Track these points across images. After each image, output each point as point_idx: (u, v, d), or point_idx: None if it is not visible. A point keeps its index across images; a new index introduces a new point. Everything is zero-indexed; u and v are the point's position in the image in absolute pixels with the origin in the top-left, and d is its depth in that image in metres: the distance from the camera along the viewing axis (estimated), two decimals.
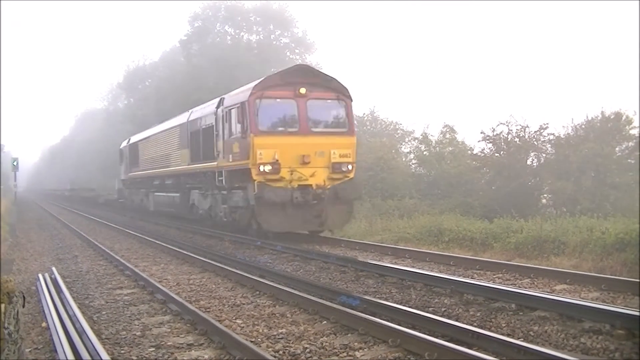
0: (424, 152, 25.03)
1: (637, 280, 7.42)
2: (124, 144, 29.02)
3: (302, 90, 13.22)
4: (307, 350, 5.51)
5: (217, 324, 6.16)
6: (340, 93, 13.87)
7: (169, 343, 5.92)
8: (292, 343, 5.75)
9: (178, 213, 19.84)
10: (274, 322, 6.59)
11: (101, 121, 62.53)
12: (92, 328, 6.15)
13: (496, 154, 20.95)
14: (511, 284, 7.99)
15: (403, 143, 29.36)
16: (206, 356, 5.49)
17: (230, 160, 13.90)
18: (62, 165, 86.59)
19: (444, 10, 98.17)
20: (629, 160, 19.36)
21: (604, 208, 16.78)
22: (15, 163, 29.75)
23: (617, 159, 19.51)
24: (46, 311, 7.12)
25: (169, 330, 6.45)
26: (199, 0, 38.43)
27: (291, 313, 6.97)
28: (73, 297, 7.81)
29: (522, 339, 5.50)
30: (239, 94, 14.04)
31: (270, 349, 5.57)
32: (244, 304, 7.60)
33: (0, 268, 9.09)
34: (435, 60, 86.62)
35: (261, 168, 12.69)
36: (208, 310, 7.24)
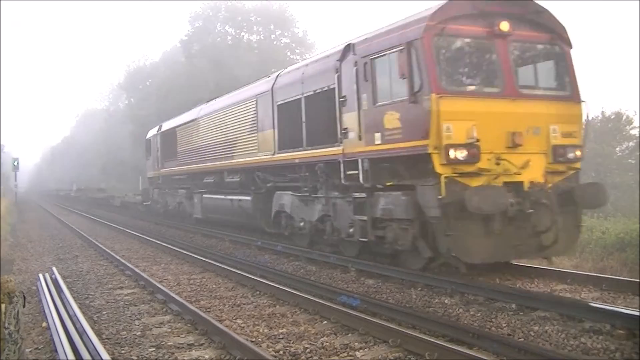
0: None
1: (638, 280, 7.43)
2: (152, 132, 23.20)
3: (504, 26, 8.19)
4: (308, 350, 5.51)
5: (218, 324, 6.16)
6: (556, 34, 8.84)
7: (169, 343, 5.93)
8: (293, 343, 5.75)
9: (247, 224, 14.55)
10: (275, 322, 6.59)
11: (102, 121, 62.55)
12: (92, 328, 6.15)
13: None
14: (511, 284, 7.99)
15: None
16: (206, 356, 5.50)
17: (379, 141, 8.72)
18: (63, 165, 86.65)
19: None
20: (630, 160, 19.39)
21: (604, 208, 16.78)
22: (15, 163, 29.80)
23: (618, 159, 19.53)
24: (47, 311, 7.12)
25: (170, 330, 6.45)
26: (200, 0, 38.52)
27: (291, 313, 6.97)
28: (73, 297, 7.81)
29: (522, 339, 5.50)
30: (396, 30, 8.61)
31: (270, 349, 5.57)
32: (244, 304, 7.61)
33: (0, 268, 9.10)
34: None
35: (451, 153, 7.65)
36: (208, 310, 7.24)
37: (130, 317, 7.13)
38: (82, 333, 5.88)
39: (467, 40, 8.31)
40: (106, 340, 6.08)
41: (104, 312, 7.42)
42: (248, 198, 13.69)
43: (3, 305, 4.43)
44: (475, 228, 7.63)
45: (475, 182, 7.67)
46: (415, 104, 7.96)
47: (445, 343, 5.20)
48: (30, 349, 5.84)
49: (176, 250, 12.88)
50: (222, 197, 15.41)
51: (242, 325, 6.51)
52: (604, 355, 5.05)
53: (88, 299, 8.27)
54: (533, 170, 8.13)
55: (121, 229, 19.35)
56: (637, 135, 19.28)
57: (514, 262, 8.82)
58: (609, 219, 12.02)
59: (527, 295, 6.68)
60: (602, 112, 19.94)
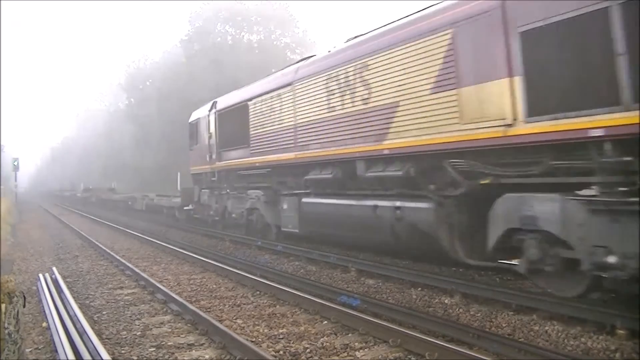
0: None
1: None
2: (200, 113, 17.00)
3: None
4: (308, 350, 5.51)
5: (218, 324, 6.17)
6: None
7: (169, 343, 5.93)
8: (293, 343, 5.75)
9: (409, 247, 9.00)
10: (275, 322, 6.59)
11: (102, 121, 62.53)
12: (92, 328, 6.16)
13: None
14: (511, 284, 7.98)
15: None
16: (207, 356, 5.50)
17: None
18: (64, 165, 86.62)
19: None
20: None
21: None
22: (15, 163, 29.80)
23: None
24: (47, 311, 7.12)
25: (170, 330, 6.46)
26: (200, 0, 38.54)
27: (292, 313, 6.98)
28: (74, 297, 7.82)
29: (522, 339, 5.50)
30: None
31: (270, 349, 5.57)
32: (244, 304, 7.61)
33: (0, 268, 9.10)
34: None
35: None
36: (209, 310, 7.24)
37: (130, 317, 7.13)
38: (82, 333, 5.89)
39: None
40: (106, 340, 6.09)
41: (104, 312, 7.42)
42: (424, 205, 8.10)
43: (3, 305, 4.44)
44: None
45: None
46: None
47: (445, 343, 5.20)
48: (30, 349, 5.84)
49: (176, 250, 12.88)
50: (351, 202, 9.68)
51: (242, 325, 6.51)
52: (604, 355, 5.04)
53: (88, 299, 8.27)
54: None
55: (121, 229, 19.15)
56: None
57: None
58: None
59: (527, 296, 6.67)
60: None
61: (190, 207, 18.30)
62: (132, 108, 47.85)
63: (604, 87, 5.49)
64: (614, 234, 5.37)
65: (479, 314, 6.50)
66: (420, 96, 7.94)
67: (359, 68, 9.33)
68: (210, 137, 15.86)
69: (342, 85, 9.76)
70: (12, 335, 4.62)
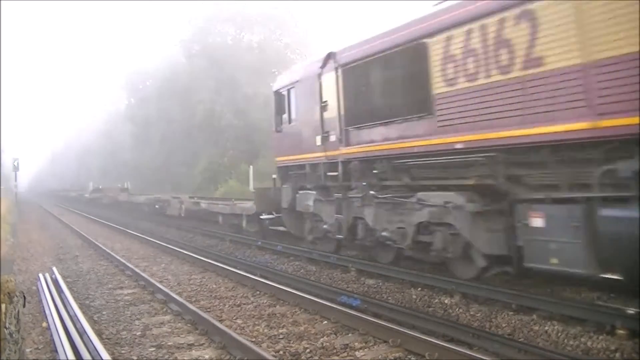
0: None
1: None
2: (299, 74, 11.25)
3: None
4: (308, 350, 5.52)
5: (218, 323, 6.17)
6: None
7: (169, 343, 5.93)
8: (293, 343, 5.76)
9: None
10: (275, 322, 6.60)
11: (102, 121, 62.51)
12: (92, 328, 6.17)
13: None
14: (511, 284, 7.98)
15: None
16: (207, 356, 5.50)
17: None
18: (64, 166, 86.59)
19: None
20: None
21: None
22: (15, 163, 29.74)
23: None
24: (47, 311, 7.13)
25: (170, 330, 6.46)
26: (200, 0, 38.49)
27: (292, 313, 6.98)
28: (74, 297, 7.82)
29: (522, 339, 5.50)
30: None
31: (270, 349, 5.57)
32: (244, 303, 7.61)
33: (0, 268, 9.10)
34: None
35: None
36: (209, 310, 7.24)
37: (130, 317, 7.14)
38: (82, 333, 5.90)
39: None
40: (106, 340, 6.09)
41: (104, 312, 7.42)
42: None
43: (3, 305, 4.43)
44: None
45: None
46: None
47: (445, 343, 5.20)
48: (30, 349, 5.85)
49: (177, 250, 12.88)
50: None
51: (242, 325, 6.51)
52: (604, 355, 5.05)
53: (88, 299, 8.28)
54: None
55: (121, 229, 19.13)
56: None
57: None
58: None
59: (527, 296, 6.67)
60: None
61: (270, 215, 12.68)
62: (132, 108, 47.87)
63: None
64: None
65: (479, 314, 6.50)
66: None
67: None
68: (324, 108, 10.14)
69: None
70: (13, 335, 4.62)
